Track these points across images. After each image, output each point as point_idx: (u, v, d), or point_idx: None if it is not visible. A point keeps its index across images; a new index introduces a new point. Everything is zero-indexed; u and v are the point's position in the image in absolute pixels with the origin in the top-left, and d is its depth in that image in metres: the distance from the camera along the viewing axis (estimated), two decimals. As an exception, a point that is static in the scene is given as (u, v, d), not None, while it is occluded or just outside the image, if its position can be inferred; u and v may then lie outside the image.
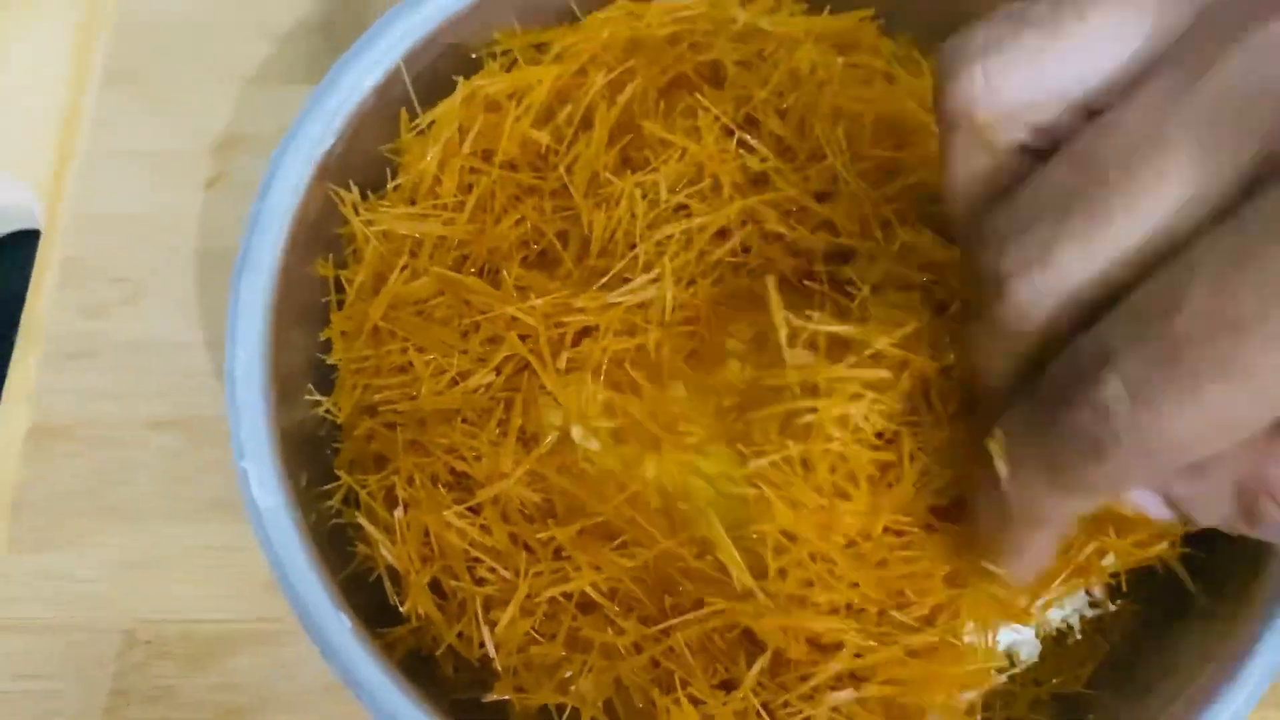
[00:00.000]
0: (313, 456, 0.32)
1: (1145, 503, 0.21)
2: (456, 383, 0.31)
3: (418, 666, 0.30)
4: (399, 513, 0.30)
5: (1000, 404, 0.23)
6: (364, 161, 0.34)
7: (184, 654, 0.35)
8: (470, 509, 0.30)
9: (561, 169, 0.32)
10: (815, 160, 0.33)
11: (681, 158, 0.32)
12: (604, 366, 0.30)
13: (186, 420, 0.38)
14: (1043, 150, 0.22)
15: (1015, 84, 0.21)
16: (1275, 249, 0.17)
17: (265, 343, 0.29)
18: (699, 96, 0.33)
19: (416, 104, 0.34)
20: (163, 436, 0.38)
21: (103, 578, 0.36)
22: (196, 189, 0.41)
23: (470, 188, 0.33)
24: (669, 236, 0.31)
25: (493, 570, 0.29)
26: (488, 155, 0.33)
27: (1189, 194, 0.18)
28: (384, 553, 0.30)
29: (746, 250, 0.32)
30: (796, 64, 0.34)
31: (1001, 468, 0.21)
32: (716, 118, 0.32)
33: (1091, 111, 0.21)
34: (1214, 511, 0.20)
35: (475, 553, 0.29)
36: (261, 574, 0.35)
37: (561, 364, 0.30)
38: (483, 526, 0.29)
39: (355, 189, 0.33)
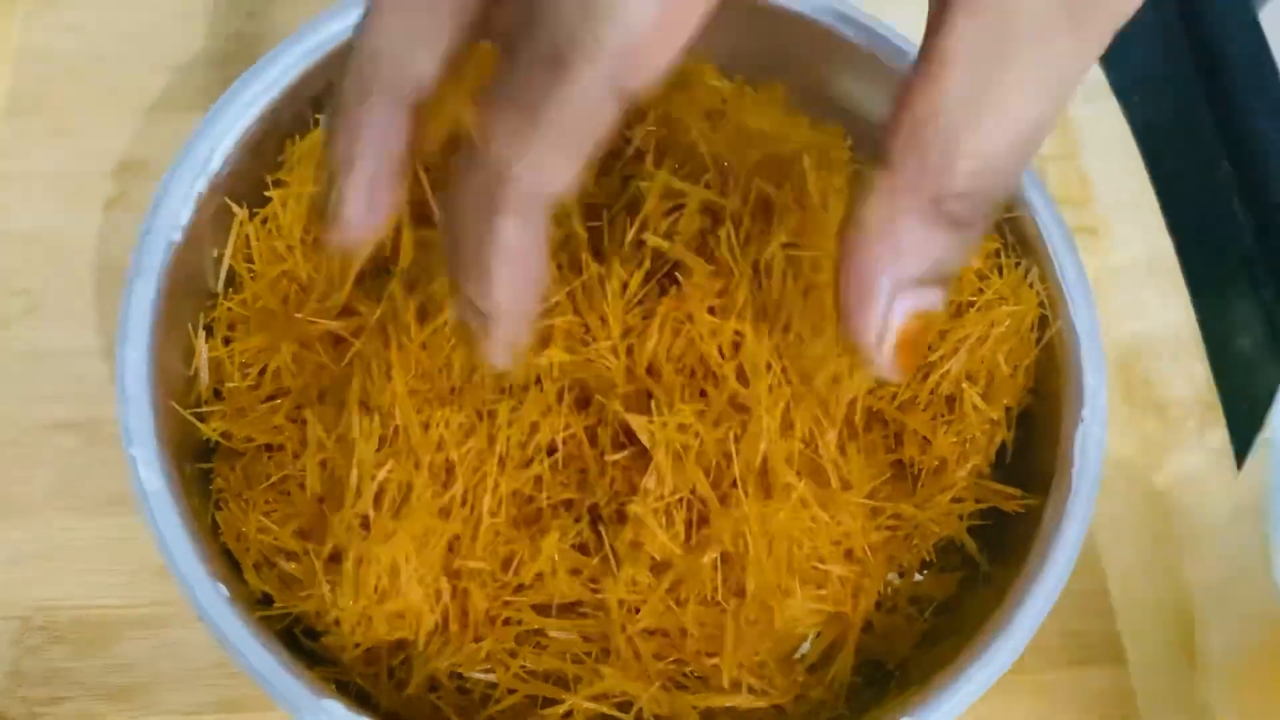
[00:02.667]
0: (196, 449, 0.35)
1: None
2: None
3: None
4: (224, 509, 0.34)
5: None
6: (251, 185, 0.37)
7: (77, 638, 0.37)
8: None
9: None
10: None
11: None
12: None
13: (83, 423, 0.40)
14: None
15: None
16: None
17: (152, 341, 0.32)
18: None
19: (296, 135, 0.37)
20: (60, 437, 0.40)
21: (0, 569, 0.38)
22: (96, 209, 0.44)
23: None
24: None
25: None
26: None
27: None
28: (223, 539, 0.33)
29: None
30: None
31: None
32: None
33: None
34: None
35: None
36: (152, 562, 0.36)
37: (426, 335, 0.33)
38: (299, 532, 0.33)
39: (244, 208, 0.36)
